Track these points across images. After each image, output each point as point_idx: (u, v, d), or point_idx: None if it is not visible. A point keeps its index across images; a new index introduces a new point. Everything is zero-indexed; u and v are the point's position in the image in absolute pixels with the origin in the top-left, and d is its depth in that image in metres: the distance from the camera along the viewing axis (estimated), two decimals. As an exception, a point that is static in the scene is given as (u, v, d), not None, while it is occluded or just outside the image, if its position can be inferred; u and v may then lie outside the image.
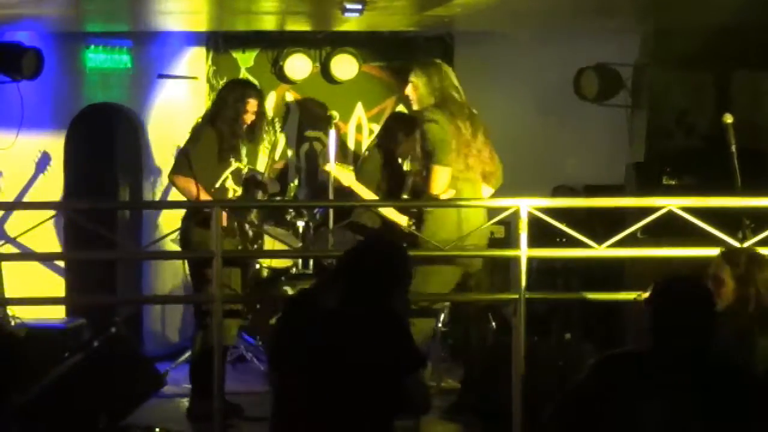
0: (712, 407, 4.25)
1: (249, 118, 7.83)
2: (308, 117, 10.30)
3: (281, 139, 10.24)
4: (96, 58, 9.53)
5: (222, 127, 7.75)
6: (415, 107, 7.52)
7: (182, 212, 7.99)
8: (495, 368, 7.03)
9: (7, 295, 8.28)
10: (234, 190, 7.84)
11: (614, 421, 4.30)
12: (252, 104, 7.84)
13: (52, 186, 9.14)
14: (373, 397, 4.69)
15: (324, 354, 4.69)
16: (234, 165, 7.83)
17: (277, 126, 10.19)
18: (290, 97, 10.23)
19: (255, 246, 8.36)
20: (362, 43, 10.11)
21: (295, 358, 4.76)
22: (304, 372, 4.71)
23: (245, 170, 8.13)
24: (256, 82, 9.06)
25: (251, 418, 7.58)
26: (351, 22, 8.77)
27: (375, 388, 4.68)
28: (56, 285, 9.08)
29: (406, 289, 4.93)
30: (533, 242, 6.69)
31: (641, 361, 4.36)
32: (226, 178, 7.79)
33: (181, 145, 8.13)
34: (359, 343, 4.70)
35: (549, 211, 6.75)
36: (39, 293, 8.28)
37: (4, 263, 8.24)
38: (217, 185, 7.73)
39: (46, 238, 8.29)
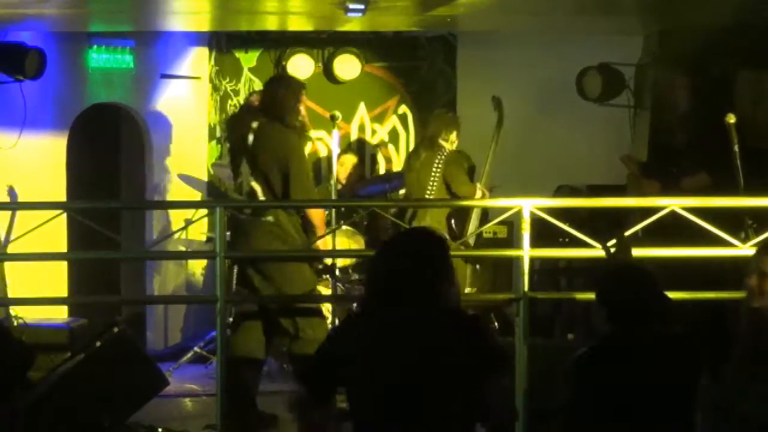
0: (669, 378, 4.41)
1: None
2: (311, 117, 10.29)
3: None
4: (99, 57, 9.54)
5: None
6: None
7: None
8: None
9: (11, 295, 8.28)
10: None
11: (607, 413, 4.42)
12: None
13: (56, 186, 9.17)
14: (445, 403, 4.23)
15: (391, 359, 4.23)
16: None
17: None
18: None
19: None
20: (365, 43, 10.10)
21: (360, 366, 4.29)
22: (374, 382, 4.25)
23: None
24: (258, 81, 9.02)
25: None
26: (354, 21, 8.78)
27: (446, 393, 4.23)
28: (59, 285, 9.08)
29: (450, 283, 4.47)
30: (536, 242, 6.69)
31: (609, 352, 4.48)
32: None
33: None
34: (425, 345, 4.26)
35: (552, 211, 6.75)
36: (42, 293, 8.28)
37: (7, 263, 8.26)
38: None
39: (53, 237, 8.28)
